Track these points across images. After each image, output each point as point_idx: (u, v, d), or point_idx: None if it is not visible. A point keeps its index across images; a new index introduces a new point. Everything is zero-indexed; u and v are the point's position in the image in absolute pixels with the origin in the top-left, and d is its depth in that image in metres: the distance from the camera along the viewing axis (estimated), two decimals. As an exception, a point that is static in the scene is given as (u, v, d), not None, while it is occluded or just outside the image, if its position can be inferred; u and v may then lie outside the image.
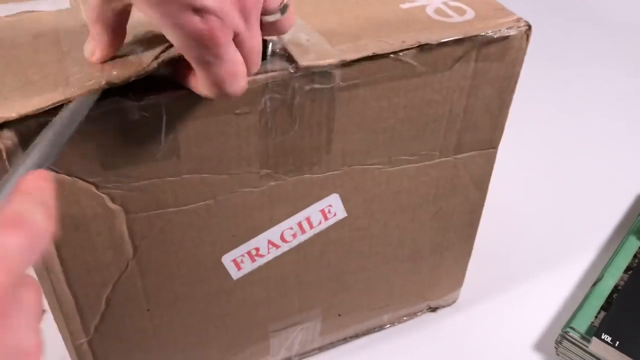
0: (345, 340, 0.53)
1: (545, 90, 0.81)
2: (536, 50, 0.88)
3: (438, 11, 0.40)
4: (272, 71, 0.34)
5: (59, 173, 0.33)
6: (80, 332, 0.40)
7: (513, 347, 0.54)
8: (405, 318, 0.55)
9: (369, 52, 0.36)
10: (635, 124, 0.77)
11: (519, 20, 0.40)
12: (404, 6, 0.41)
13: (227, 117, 0.35)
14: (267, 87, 0.35)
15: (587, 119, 0.77)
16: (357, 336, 0.53)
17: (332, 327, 0.51)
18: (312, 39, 0.37)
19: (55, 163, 0.32)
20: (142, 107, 0.32)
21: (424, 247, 0.49)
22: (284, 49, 0.35)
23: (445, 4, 0.41)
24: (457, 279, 0.54)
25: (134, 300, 0.40)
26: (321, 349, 0.52)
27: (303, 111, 0.37)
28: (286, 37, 0.36)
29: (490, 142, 0.45)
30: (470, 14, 0.40)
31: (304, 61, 0.35)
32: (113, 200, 0.35)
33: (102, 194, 0.35)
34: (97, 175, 0.34)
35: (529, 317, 0.56)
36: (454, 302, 0.56)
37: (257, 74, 0.34)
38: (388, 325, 0.54)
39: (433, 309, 0.56)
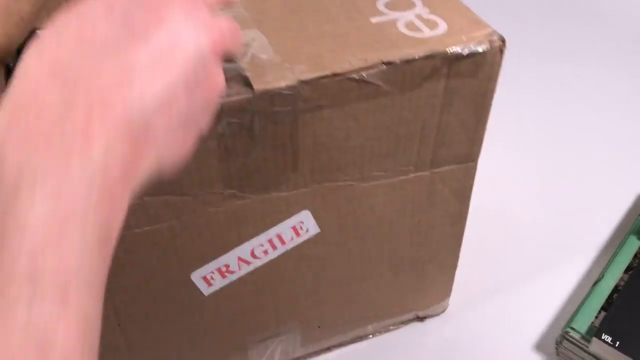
0: (329, 349, 0.53)
1: (544, 90, 0.79)
2: (535, 50, 0.86)
3: (409, 25, 0.39)
4: (228, 96, 0.34)
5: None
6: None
7: (513, 347, 0.54)
8: (392, 327, 0.54)
9: (327, 72, 0.35)
10: (636, 124, 0.75)
11: (492, 34, 0.38)
12: (375, 20, 0.40)
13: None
14: (224, 112, 0.34)
15: (587, 118, 0.76)
16: (341, 345, 0.53)
17: (313, 338, 0.51)
18: (272, 59, 0.36)
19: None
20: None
21: (404, 260, 0.48)
22: (240, 73, 0.35)
23: (419, 16, 0.40)
24: (443, 290, 0.54)
25: (104, 316, 0.41)
26: (305, 357, 0.53)
27: (265, 133, 0.36)
28: (246, 57, 0.36)
29: (468, 156, 0.44)
30: (442, 27, 0.39)
31: (259, 84, 0.34)
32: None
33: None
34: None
35: (529, 318, 0.56)
36: (443, 311, 0.56)
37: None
38: (372, 336, 0.54)
39: (421, 319, 0.55)
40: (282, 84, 0.35)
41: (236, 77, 0.35)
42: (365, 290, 0.49)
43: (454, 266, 0.52)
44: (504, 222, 0.63)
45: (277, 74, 0.35)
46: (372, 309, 0.51)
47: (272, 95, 0.35)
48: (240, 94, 0.34)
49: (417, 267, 0.50)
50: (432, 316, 0.55)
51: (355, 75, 0.36)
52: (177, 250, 0.40)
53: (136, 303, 0.41)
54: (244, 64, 0.35)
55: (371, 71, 0.36)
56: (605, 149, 0.72)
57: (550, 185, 0.68)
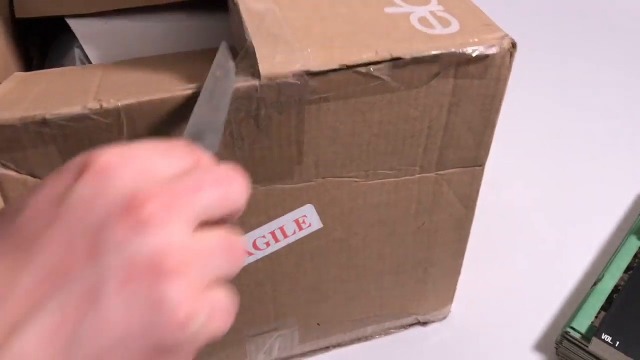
0: (327, 348, 0.53)
1: (544, 89, 0.80)
2: (537, 50, 0.86)
3: (422, 20, 0.39)
4: (235, 82, 0.34)
5: (20, 174, 0.34)
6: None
7: (513, 347, 0.54)
8: (392, 330, 0.54)
9: (334, 65, 0.35)
10: (636, 124, 0.75)
11: (503, 37, 0.38)
12: (389, 10, 0.40)
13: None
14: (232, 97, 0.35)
15: (587, 118, 0.76)
16: (340, 345, 0.53)
17: (312, 336, 0.51)
18: (283, 36, 0.36)
19: (18, 165, 0.33)
20: (101, 112, 0.33)
21: (406, 261, 0.48)
22: (249, 50, 0.35)
23: (432, 13, 0.40)
24: (445, 296, 0.53)
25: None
26: (303, 355, 0.52)
27: (270, 123, 0.37)
28: (259, 30, 0.36)
29: (474, 160, 0.44)
30: (454, 26, 0.39)
31: (267, 68, 0.34)
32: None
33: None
34: (61, 177, 0.35)
35: (529, 318, 0.56)
36: (444, 318, 0.55)
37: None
38: (372, 338, 0.54)
39: (423, 323, 0.55)
40: (289, 74, 0.35)
41: (246, 54, 0.35)
42: (366, 289, 0.49)
43: (457, 272, 0.51)
44: (504, 221, 0.63)
45: (285, 58, 0.35)
46: (372, 309, 0.51)
47: (278, 84, 0.35)
48: (247, 81, 0.34)
49: (419, 269, 0.49)
50: (433, 322, 0.55)
51: (362, 69, 0.36)
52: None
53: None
54: (255, 36, 0.35)
55: (379, 65, 0.36)
56: (605, 149, 0.72)
57: (550, 185, 0.68)
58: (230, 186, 0.25)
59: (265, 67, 0.34)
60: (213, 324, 0.23)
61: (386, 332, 0.54)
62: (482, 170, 0.45)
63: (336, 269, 0.46)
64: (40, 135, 0.33)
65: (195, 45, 0.44)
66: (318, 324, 0.50)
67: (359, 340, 0.53)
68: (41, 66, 0.48)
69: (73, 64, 0.44)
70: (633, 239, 0.58)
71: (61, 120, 0.32)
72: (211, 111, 0.32)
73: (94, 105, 0.33)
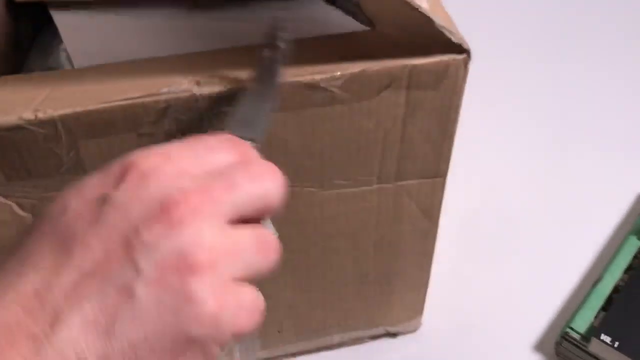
0: (293, 355, 0.53)
1: (543, 88, 0.78)
2: (534, 48, 0.84)
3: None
4: (174, 93, 0.34)
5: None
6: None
7: (513, 347, 0.54)
8: (361, 340, 0.54)
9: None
10: (636, 123, 0.74)
11: (457, 46, 0.37)
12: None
13: (129, 136, 0.35)
14: (170, 108, 0.34)
15: (587, 118, 0.74)
16: (307, 352, 0.53)
17: (273, 343, 0.50)
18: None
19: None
20: (36, 123, 0.33)
21: (368, 273, 0.48)
22: None
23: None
24: (414, 307, 0.52)
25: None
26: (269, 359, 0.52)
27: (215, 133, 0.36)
28: None
29: (435, 172, 0.43)
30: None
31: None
32: (22, 208, 0.36)
33: (9, 203, 0.36)
34: (4, 186, 0.35)
35: (528, 318, 0.56)
36: (414, 330, 0.54)
37: (156, 94, 0.34)
38: (342, 346, 0.53)
39: (392, 335, 0.54)
40: (225, 86, 0.34)
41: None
42: (329, 298, 0.48)
43: (424, 284, 0.50)
44: (504, 221, 0.63)
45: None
46: (336, 319, 0.50)
47: (217, 97, 0.35)
48: (186, 91, 0.34)
49: (382, 281, 0.49)
50: (403, 333, 0.54)
51: (308, 81, 0.36)
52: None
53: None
54: None
55: (325, 76, 0.36)
56: (605, 148, 0.71)
57: (550, 184, 0.67)
58: (266, 184, 0.26)
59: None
60: (240, 321, 0.24)
61: (354, 341, 0.53)
62: (443, 181, 0.44)
63: (295, 279, 0.46)
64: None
65: (194, 47, 0.40)
66: (279, 331, 0.50)
67: (326, 348, 0.53)
68: (29, 50, 0.47)
69: (58, 63, 0.44)
70: (633, 239, 0.58)
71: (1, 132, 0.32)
72: (258, 99, 0.32)
73: (28, 115, 0.33)
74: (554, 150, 0.71)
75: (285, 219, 0.42)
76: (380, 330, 0.53)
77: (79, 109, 0.33)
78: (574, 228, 0.63)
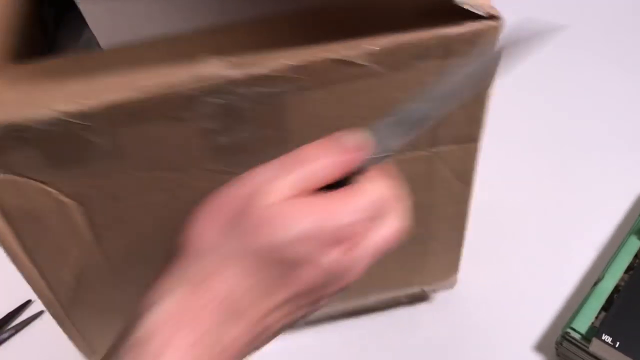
0: (332, 318, 0.54)
1: (544, 88, 0.76)
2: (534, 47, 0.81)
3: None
4: (211, 77, 0.34)
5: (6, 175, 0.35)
6: (54, 302, 0.43)
7: (513, 347, 0.54)
8: (395, 301, 0.55)
9: (311, 58, 0.34)
10: (636, 123, 0.72)
11: (491, 15, 0.36)
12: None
13: (165, 121, 0.35)
14: (204, 92, 0.34)
15: (587, 118, 0.73)
16: (344, 316, 0.54)
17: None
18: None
19: (3, 166, 0.34)
20: (76, 116, 0.33)
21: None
22: None
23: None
24: (450, 266, 0.53)
25: (101, 279, 0.43)
26: (307, 323, 0.54)
27: (250, 114, 0.36)
28: None
29: (469, 137, 0.42)
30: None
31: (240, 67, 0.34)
32: (66, 195, 0.37)
33: (53, 190, 0.37)
34: (46, 174, 0.36)
35: (529, 318, 0.56)
36: (451, 287, 0.55)
37: (189, 79, 0.34)
38: (373, 311, 0.54)
39: (426, 295, 0.55)
40: (265, 69, 0.34)
41: None
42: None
43: (459, 244, 0.51)
44: (504, 221, 0.63)
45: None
46: (373, 279, 0.51)
47: (255, 78, 0.34)
48: (219, 75, 0.34)
49: (419, 243, 0.49)
50: (439, 291, 0.55)
51: (342, 57, 0.35)
52: (172, 220, 0.41)
53: (131, 268, 0.43)
54: None
55: (358, 52, 0.35)
56: (605, 148, 0.70)
57: (550, 185, 0.67)
58: (393, 242, 0.35)
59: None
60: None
61: (388, 303, 0.54)
62: (477, 146, 0.43)
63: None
64: (23, 139, 0.33)
65: (218, 18, 0.39)
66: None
67: (361, 310, 0.54)
68: (55, 34, 0.47)
69: (89, 44, 0.43)
70: (633, 239, 0.57)
71: (39, 125, 0.33)
72: (429, 99, 0.32)
73: (67, 108, 0.33)
74: (553, 150, 0.70)
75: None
76: (417, 289, 0.54)
77: (115, 98, 0.33)
78: (574, 228, 0.62)
